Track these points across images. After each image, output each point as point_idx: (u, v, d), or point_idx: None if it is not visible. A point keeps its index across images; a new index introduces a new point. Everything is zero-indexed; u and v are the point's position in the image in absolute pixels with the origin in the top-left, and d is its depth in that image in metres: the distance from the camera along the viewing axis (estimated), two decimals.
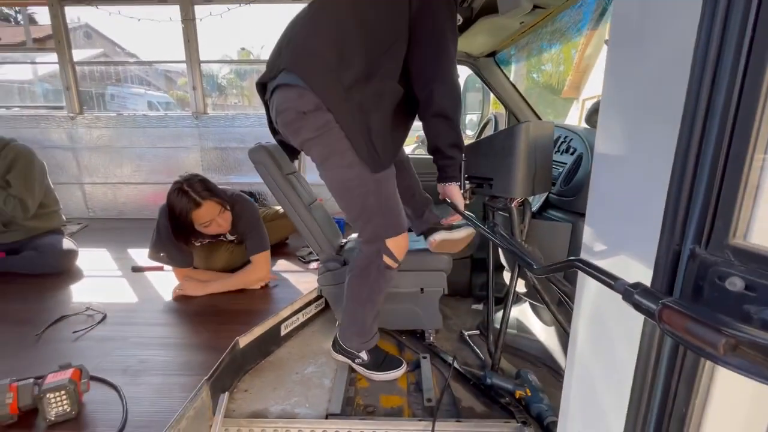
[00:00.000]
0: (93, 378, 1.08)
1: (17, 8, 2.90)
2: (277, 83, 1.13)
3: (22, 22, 2.86)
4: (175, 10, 2.90)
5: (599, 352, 0.67)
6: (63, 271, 1.93)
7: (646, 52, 0.54)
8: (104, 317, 1.47)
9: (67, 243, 1.99)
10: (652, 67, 0.52)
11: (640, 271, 0.52)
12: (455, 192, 1.21)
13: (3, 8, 3.94)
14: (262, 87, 1.23)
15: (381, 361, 1.40)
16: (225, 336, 1.31)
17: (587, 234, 0.69)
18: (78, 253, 2.00)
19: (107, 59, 9.91)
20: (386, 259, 1.24)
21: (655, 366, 0.47)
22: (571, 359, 0.74)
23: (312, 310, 1.71)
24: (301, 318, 1.63)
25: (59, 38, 2.94)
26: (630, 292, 0.39)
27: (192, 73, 3.00)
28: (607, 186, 0.64)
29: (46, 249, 1.91)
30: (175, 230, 1.58)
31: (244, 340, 1.34)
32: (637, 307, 0.38)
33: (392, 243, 1.23)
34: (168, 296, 1.65)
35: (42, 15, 2.99)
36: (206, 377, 1.10)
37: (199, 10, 2.93)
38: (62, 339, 1.34)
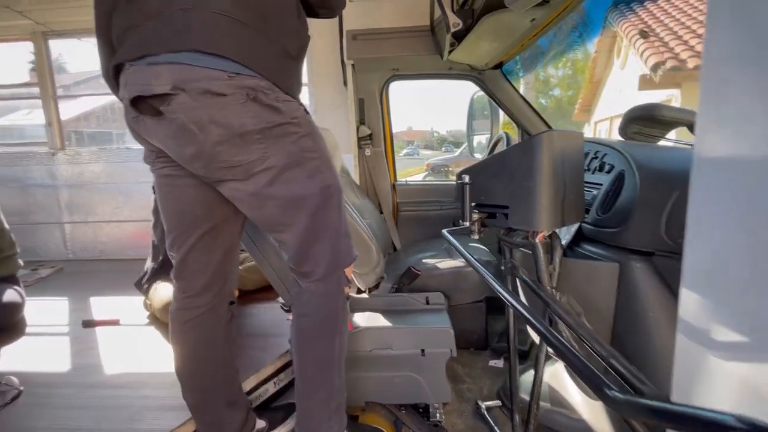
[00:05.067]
0: None
1: None
2: None
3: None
4: None
5: None
6: (2, 327, 1.64)
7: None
8: (18, 395, 1.16)
9: (10, 294, 1.70)
10: None
11: None
12: None
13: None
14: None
15: None
16: (154, 427, 0.98)
17: (684, 309, 0.37)
18: (22, 306, 1.71)
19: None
20: (347, 290, 0.97)
21: None
22: None
23: (285, 377, 1.34)
24: (271, 389, 1.28)
25: (42, 72, 2.82)
26: None
27: None
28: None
29: None
30: None
31: (184, 430, 1.00)
32: None
33: (349, 269, 1.00)
34: (111, 360, 1.33)
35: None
36: None
37: None
38: None
